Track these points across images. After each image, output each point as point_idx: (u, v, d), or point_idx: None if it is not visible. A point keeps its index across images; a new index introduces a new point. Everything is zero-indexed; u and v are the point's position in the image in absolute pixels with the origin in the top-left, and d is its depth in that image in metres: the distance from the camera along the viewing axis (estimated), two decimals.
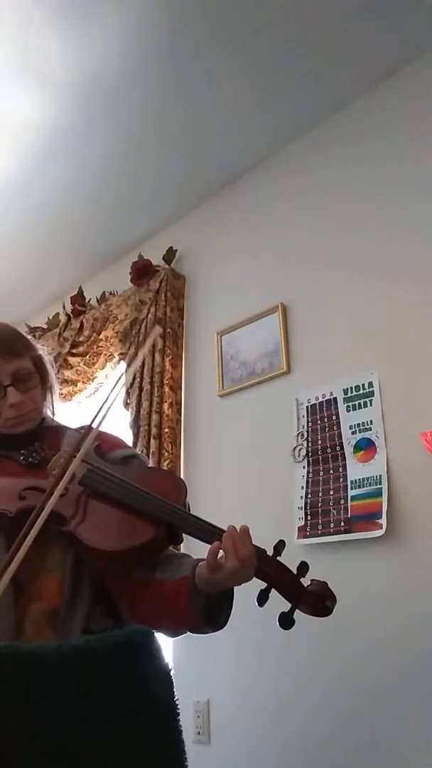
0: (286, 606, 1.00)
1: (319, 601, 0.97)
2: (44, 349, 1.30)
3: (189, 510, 1.10)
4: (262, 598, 0.98)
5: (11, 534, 1.03)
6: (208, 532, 1.02)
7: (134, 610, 1.07)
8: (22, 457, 1.13)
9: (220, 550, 0.98)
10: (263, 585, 1.01)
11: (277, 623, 0.97)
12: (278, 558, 1.01)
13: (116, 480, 1.09)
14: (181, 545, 1.90)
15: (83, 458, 1.08)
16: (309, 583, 0.99)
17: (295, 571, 0.99)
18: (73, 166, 2.64)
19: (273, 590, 0.99)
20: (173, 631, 1.07)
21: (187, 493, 1.14)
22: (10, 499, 1.04)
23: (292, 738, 1.87)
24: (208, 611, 1.02)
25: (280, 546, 1.01)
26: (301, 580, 1.00)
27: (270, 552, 1.03)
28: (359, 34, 2.09)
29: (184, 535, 1.07)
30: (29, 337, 1.30)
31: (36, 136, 2.47)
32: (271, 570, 0.99)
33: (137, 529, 1.02)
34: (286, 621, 0.96)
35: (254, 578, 1.00)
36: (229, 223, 2.72)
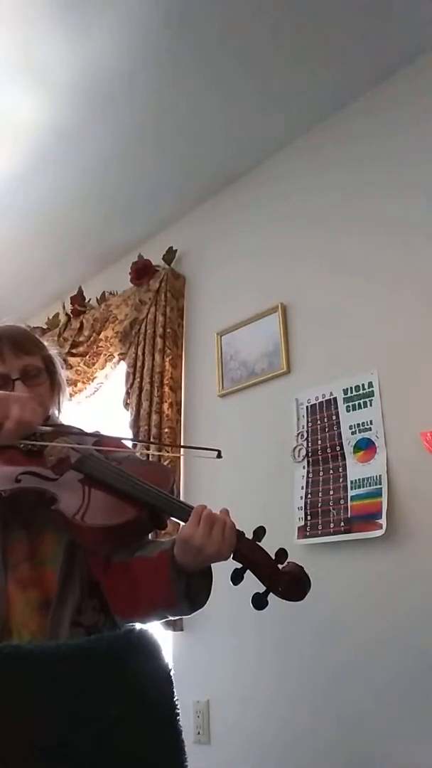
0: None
1: (292, 582, 0.98)
2: (56, 352, 1.36)
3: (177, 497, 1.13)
4: (237, 578, 0.99)
5: (6, 516, 1.09)
6: (188, 513, 1.05)
7: (115, 595, 1.08)
8: (22, 445, 1.18)
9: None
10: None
11: (251, 604, 0.97)
12: (258, 543, 1.03)
13: (106, 464, 1.14)
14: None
15: (79, 449, 1.16)
16: (285, 564, 1.00)
17: (273, 556, 1.00)
18: (72, 166, 2.64)
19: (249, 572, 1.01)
20: (151, 611, 1.07)
21: (174, 481, 1.18)
22: (6, 482, 1.08)
23: (292, 738, 1.87)
24: (187, 587, 1.03)
25: (259, 531, 1.03)
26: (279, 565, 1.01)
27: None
28: (359, 35, 2.09)
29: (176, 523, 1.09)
30: (45, 342, 1.36)
31: (35, 136, 2.47)
32: (247, 551, 1.01)
33: (122, 509, 1.05)
34: (259, 602, 0.98)
35: (240, 565, 1.01)
36: (229, 224, 2.72)
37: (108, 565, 1.09)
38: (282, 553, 1.00)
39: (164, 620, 1.17)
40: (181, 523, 1.04)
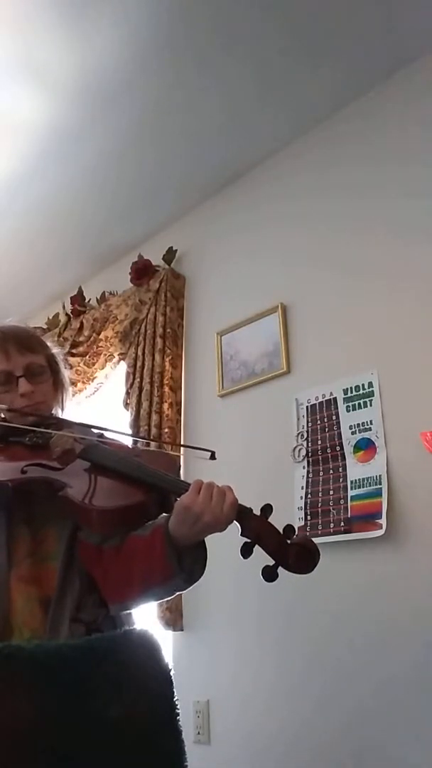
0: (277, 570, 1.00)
1: (301, 553, 0.98)
2: (59, 352, 1.39)
3: None
4: (246, 552, 1.00)
5: (11, 510, 1.10)
6: None
7: (107, 580, 1.08)
8: (27, 439, 1.20)
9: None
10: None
11: (261, 576, 0.98)
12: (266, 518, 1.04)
13: (111, 451, 1.16)
14: None
15: (81, 441, 1.17)
16: (294, 537, 1.01)
17: (281, 531, 1.01)
18: (72, 166, 2.64)
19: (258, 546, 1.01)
20: (145, 588, 1.07)
21: (180, 468, 1.20)
22: (13, 473, 1.09)
23: (292, 738, 1.87)
24: (181, 560, 1.03)
25: (267, 509, 1.04)
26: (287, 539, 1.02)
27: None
28: (359, 34, 2.09)
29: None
30: (48, 342, 1.38)
31: (35, 136, 2.47)
32: (255, 525, 1.01)
33: (130, 492, 1.07)
34: (270, 575, 0.98)
35: (249, 540, 1.01)
36: (229, 224, 2.72)
37: (100, 553, 1.10)
38: (290, 529, 1.01)
39: (160, 599, 1.17)
40: None
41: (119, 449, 1.26)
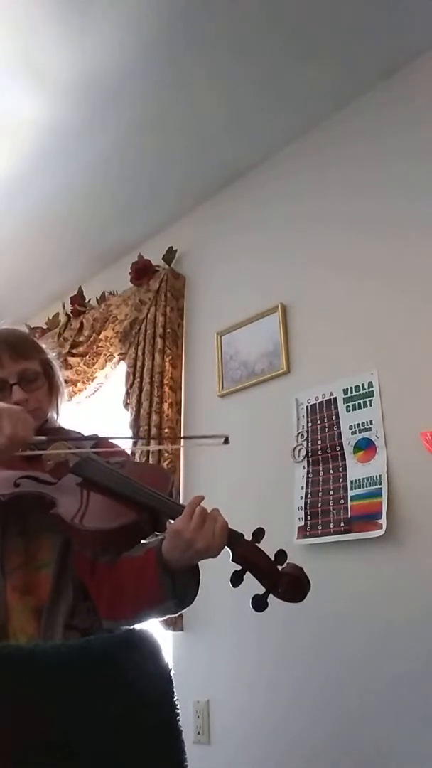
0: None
1: (292, 583, 0.98)
2: (54, 355, 1.37)
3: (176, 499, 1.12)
4: (236, 580, 1.00)
5: (5, 521, 1.10)
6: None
7: (100, 597, 1.08)
8: (21, 449, 1.17)
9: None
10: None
11: (251, 605, 0.98)
12: (257, 544, 1.03)
13: (104, 467, 1.14)
14: None
15: (77, 452, 1.15)
16: (285, 565, 1.00)
17: (272, 557, 1.00)
18: (72, 166, 2.64)
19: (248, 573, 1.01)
20: (137, 610, 1.07)
21: (173, 484, 1.18)
22: (5, 486, 1.08)
23: (292, 738, 1.87)
24: (173, 584, 1.03)
25: (258, 533, 1.03)
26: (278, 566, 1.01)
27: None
28: (359, 34, 2.09)
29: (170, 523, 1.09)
30: (43, 345, 1.36)
31: (35, 136, 2.47)
32: (246, 552, 1.00)
33: (121, 512, 1.05)
34: (259, 603, 0.98)
35: (235, 563, 1.01)
36: (229, 223, 2.72)
37: (94, 567, 1.09)
38: (281, 554, 1.00)
39: (152, 619, 1.17)
40: None
41: (116, 453, 1.26)
